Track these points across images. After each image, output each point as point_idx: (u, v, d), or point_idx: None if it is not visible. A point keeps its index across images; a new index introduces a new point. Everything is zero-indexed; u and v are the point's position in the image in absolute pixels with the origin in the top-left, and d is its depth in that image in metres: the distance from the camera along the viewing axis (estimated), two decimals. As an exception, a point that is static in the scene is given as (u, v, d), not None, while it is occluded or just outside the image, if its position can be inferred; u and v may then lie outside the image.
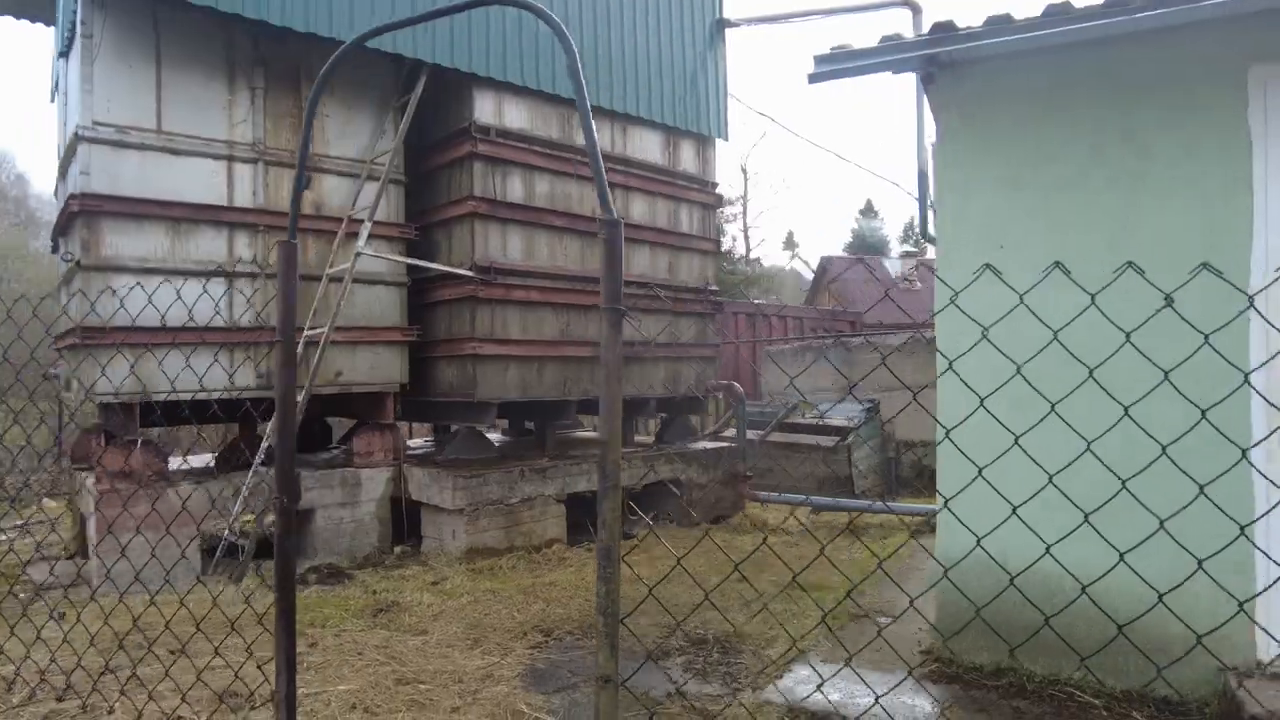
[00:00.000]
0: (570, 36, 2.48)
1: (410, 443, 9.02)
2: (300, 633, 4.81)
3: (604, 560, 2.60)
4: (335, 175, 6.70)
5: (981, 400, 2.26)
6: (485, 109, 6.92)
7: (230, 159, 6.19)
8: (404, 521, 6.92)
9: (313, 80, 6.52)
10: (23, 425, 5.82)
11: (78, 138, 5.63)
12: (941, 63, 3.84)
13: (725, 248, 31.47)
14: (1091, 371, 2.34)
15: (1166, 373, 2.23)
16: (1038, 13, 3.60)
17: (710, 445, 8.52)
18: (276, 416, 3.14)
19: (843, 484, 8.91)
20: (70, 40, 6.02)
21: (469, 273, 6.74)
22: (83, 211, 5.60)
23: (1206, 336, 2.31)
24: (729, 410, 11.02)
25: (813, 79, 3.90)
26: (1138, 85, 3.73)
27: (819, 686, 3.57)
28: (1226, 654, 3.52)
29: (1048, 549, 2.35)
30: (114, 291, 5.43)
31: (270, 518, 6.06)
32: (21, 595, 5.79)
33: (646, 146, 8.11)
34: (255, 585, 5.75)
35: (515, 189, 7.06)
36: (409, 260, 6.92)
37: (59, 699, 3.80)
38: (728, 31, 8.74)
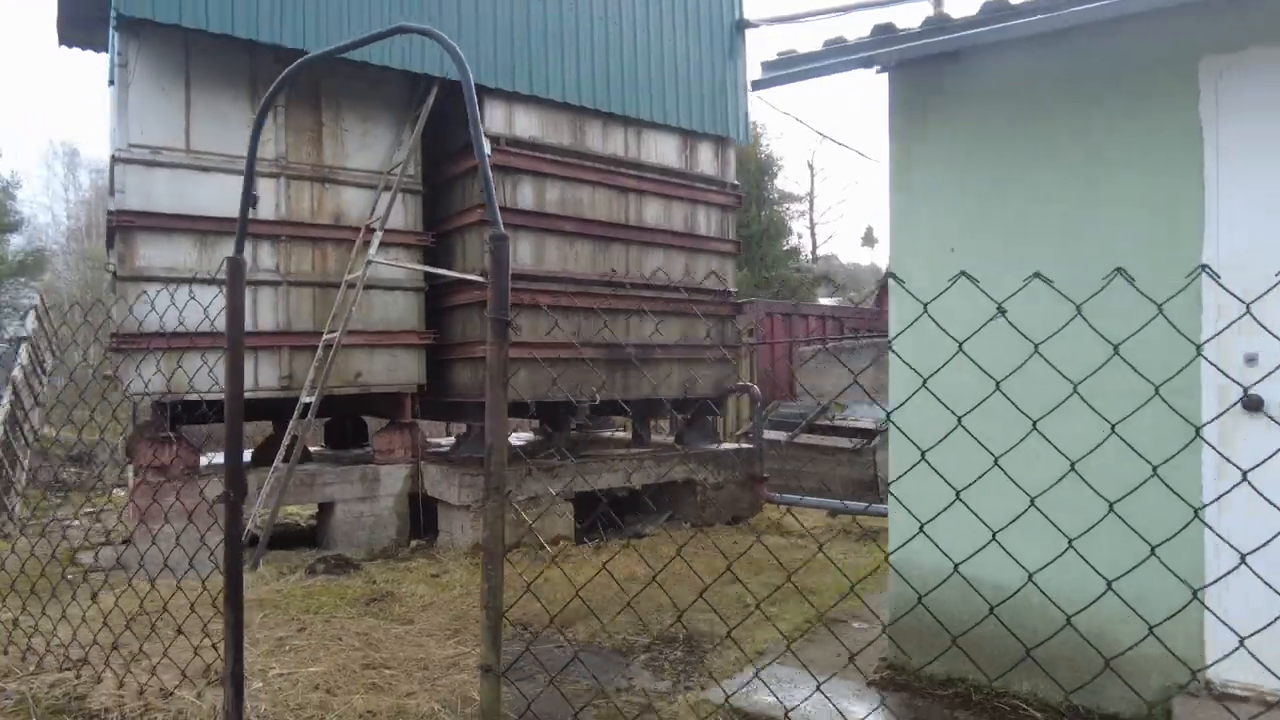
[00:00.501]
0: (467, 63, 2.63)
1: (440, 441, 9.37)
2: (294, 618, 5.13)
3: (487, 560, 2.75)
4: (354, 187, 7.06)
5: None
6: (495, 119, 7.15)
7: (254, 174, 6.60)
8: (420, 517, 7.22)
9: (331, 96, 6.91)
10: (98, 422, 6.40)
11: (114, 159, 6.13)
12: (887, 64, 3.81)
13: (791, 245, 31.08)
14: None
15: (1075, 385, 2.21)
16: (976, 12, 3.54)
17: (729, 447, 8.54)
18: (226, 418, 3.40)
19: (868, 487, 8.78)
20: (113, 69, 6.56)
21: (478, 278, 6.98)
22: (119, 227, 6.10)
23: (1116, 347, 2.28)
24: (761, 411, 10.98)
25: (756, 85, 3.94)
26: (1088, 81, 3.62)
27: (753, 678, 3.62)
28: (1173, 671, 3.39)
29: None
30: (148, 297, 5.90)
31: (270, 511, 6.46)
32: (70, 577, 6.35)
33: (661, 150, 8.19)
34: (273, 574, 6.14)
35: (525, 196, 7.27)
36: (420, 267, 7.22)
37: (63, 669, 4.19)
38: (748, 32, 8.73)
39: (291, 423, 6.52)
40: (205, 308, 4.21)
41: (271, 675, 4.17)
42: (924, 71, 3.97)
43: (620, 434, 9.70)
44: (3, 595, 4.69)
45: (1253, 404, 3.25)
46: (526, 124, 7.34)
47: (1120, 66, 3.55)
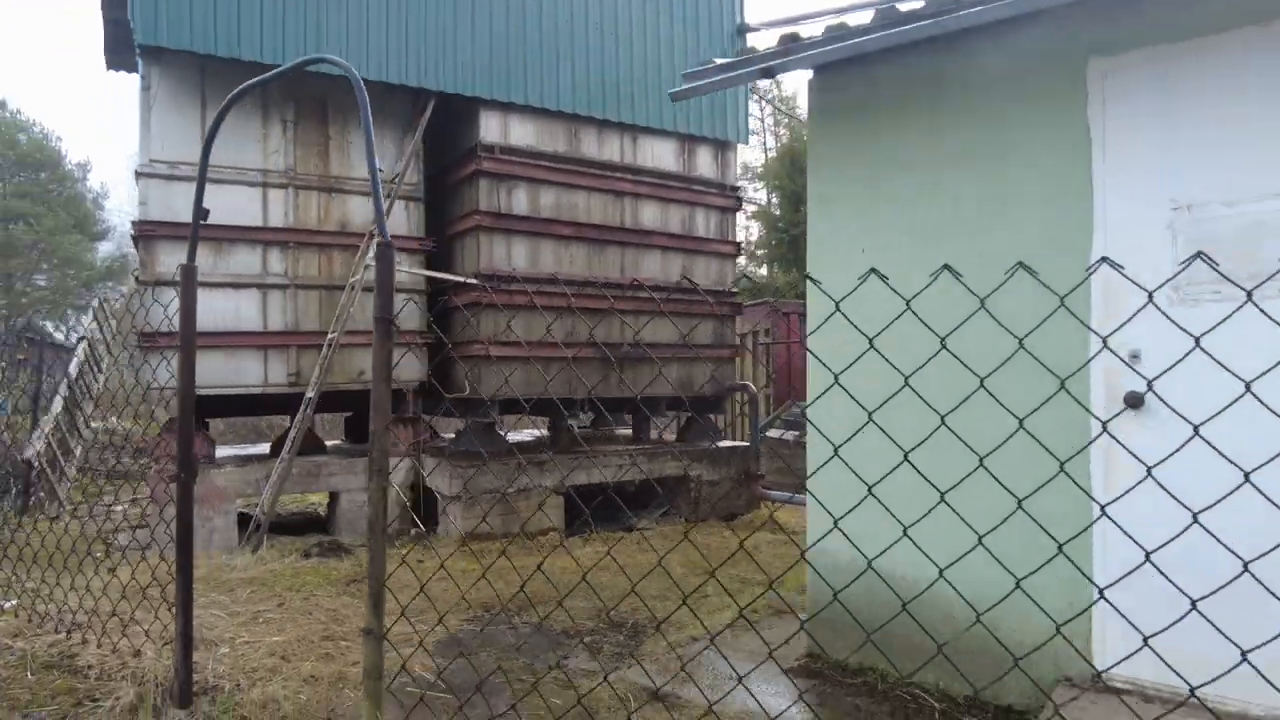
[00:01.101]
0: (364, 89, 2.94)
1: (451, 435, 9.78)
2: (276, 595, 5.55)
3: (370, 534, 3.07)
4: (359, 195, 7.50)
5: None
6: (491, 128, 7.49)
7: (264, 185, 7.12)
8: (421, 507, 7.62)
9: (338, 111, 7.37)
10: (152, 415, 7.02)
11: (138, 174, 6.71)
12: (782, 72, 3.95)
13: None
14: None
15: (982, 380, 2.28)
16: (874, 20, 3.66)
17: (727, 444, 8.68)
18: (179, 411, 3.81)
19: (868, 486, 8.79)
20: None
21: (473, 280, 7.33)
22: (141, 236, 6.67)
23: (1021, 340, 2.35)
24: (778, 409, 11.05)
25: (675, 96, 4.14)
26: (985, 85, 3.70)
27: (678, 661, 3.82)
28: (1062, 663, 3.45)
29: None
30: (162, 304, 6.45)
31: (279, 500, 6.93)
32: (97, 555, 6.98)
33: (659, 154, 8.40)
34: (273, 556, 6.62)
35: (520, 202, 7.59)
36: (415, 271, 7.61)
37: (67, 633, 4.68)
38: (749, 36, 8.86)
39: (297, 417, 6.99)
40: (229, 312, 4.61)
41: (238, 642, 4.58)
42: (836, 79, 4.10)
43: (625, 431, 9.94)
44: (38, 567, 5.22)
45: (1134, 401, 3.29)
46: (522, 132, 7.66)
47: (1017, 69, 3.62)
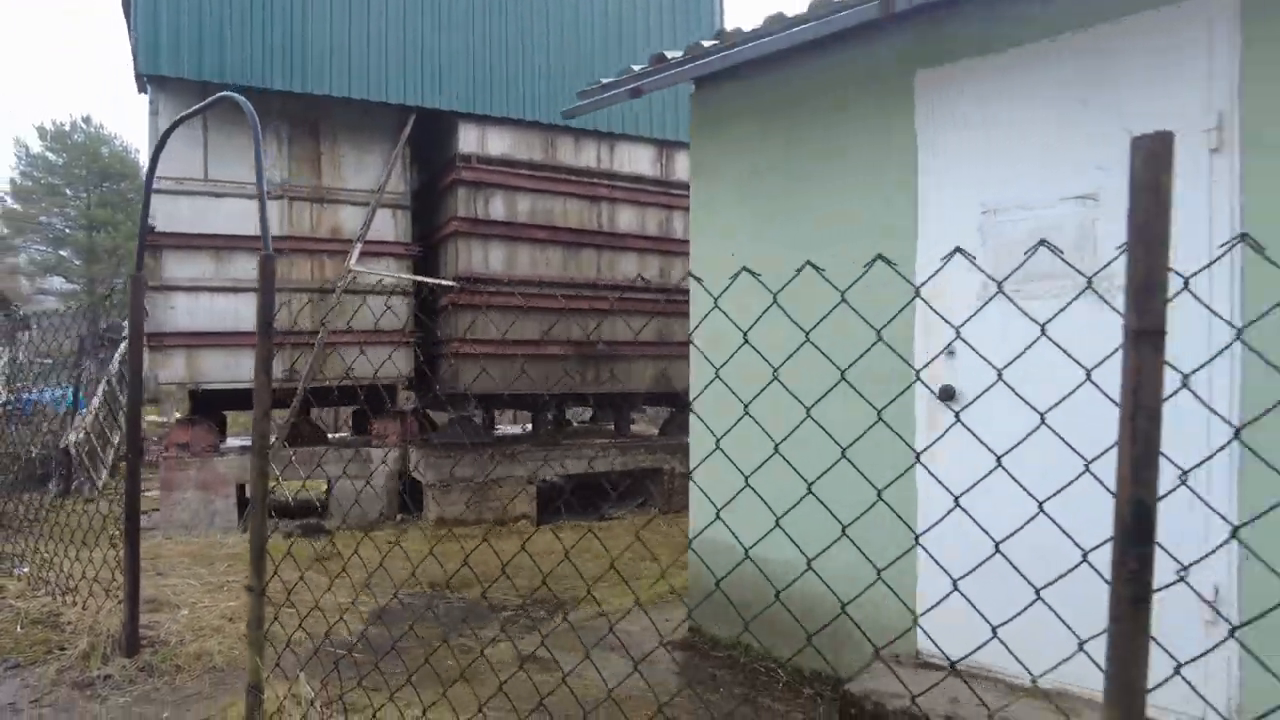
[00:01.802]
0: (259, 123, 3.44)
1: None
2: (249, 568, 6.14)
3: (252, 506, 3.56)
4: (350, 205, 8.09)
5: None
6: (469, 140, 7.98)
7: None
8: (407, 494, 8.17)
9: (329, 127, 7.98)
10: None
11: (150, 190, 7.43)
12: (648, 90, 4.28)
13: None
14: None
15: (843, 372, 2.52)
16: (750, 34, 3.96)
17: (705, 438, 8.98)
18: (128, 403, 4.39)
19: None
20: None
21: (451, 283, 7.84)
22: (150, 245, 7.39)
23: (879, 331, 2.53)
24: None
25: (565, 114, 4.51)
26: (828, 97, 3.96)
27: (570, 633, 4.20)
28: (899, 646, 3.70)
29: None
30: (171, 306, 7.16)
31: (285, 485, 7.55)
32: (114, 533, 7.76)
33: (635, 160, 8.76)
34: (271, 536, 7.24)
35: (497, 208, 8.06)
36: (396, 275, 8.16)
37: (60, 596, 5.34)
38: (729, 43, 9.11)
39: (293, 407, 7.62)
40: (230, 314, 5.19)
41: (199, 607, 5.17)
42: (712, 93, 4.41)
43: (610, 426, 10.31)
44: (58, 542, 5.91)
45: (946, 394, 3.52)
46: (498, 143, 8.13)
47: (858, 80, 3.87)
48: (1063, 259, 1.95)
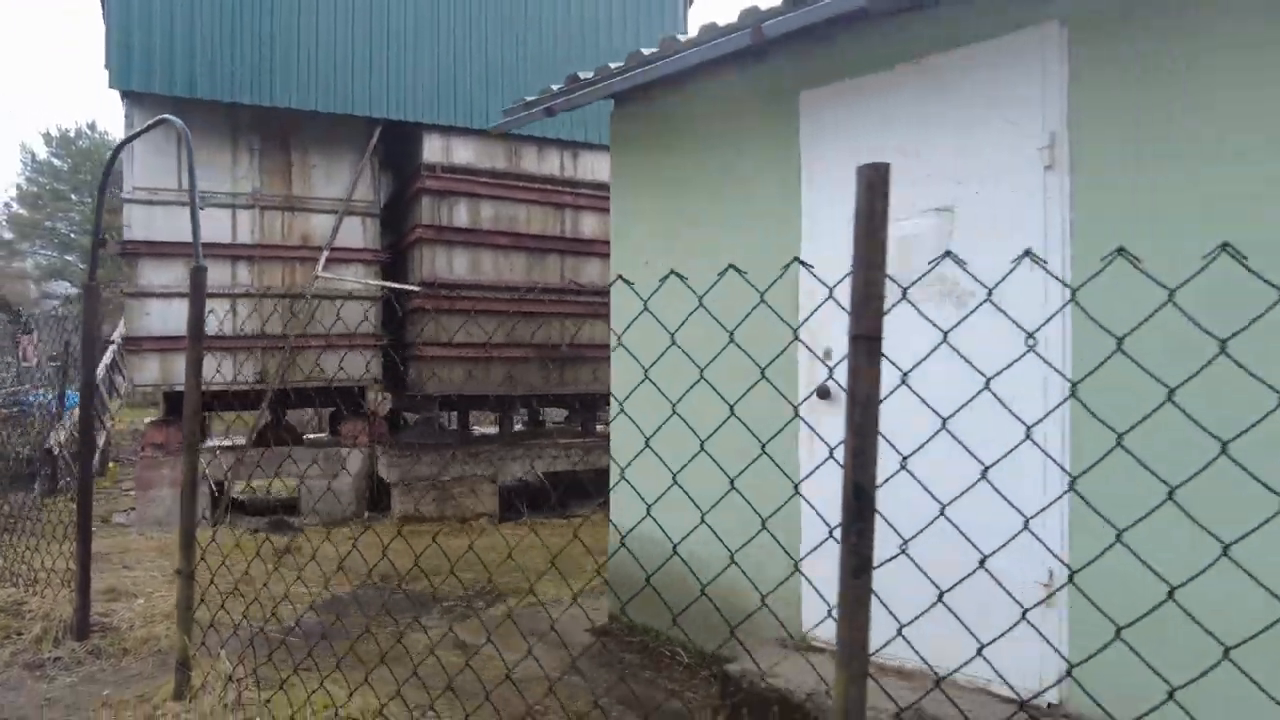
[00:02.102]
0: (191, 142, 3.72)
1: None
2: (206, 561, 6.44)
3: (183, 495, 3.84)
4: (320, 213, 8.39)
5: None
6: (434, 150, 8.27)
7: (233, 206, 8.08)
8: (374, 492, 8.46)
9: (299, 139, 8.28)
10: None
11: (124, 200, 7.75)
12: (558, 110, 4.54)
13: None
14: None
15: (763, 370, 2.73)
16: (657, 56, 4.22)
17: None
18: (80, 404, 4.68)
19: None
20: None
21: (415, 288, 8.12)
22: (125, 253, 7.71)
23: (795, 331, 2.75)
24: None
25: (497, 129, 4.78)
26: (727, 116, 4.22)
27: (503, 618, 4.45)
28: (792, 630, 3.94)
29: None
30: (146, 313, 7.46)
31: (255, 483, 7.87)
32: (96, 531, 8.08)
33: (599, 168, 9.02)
34: (227, 531, 7.55)
35: (461, 215, 8.34)
36: (361, 281, 8.45)
37: (24, 587, 5.64)
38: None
39: (261, 408, 7.92)
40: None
41: (155, 596, 5.46)
42: (628, 109, 4.67)
43: (577, 427, 10.57)
44: (34, 537, 6.20)
45: (823, 393, 3.76)
46: (463, 152, 8.41)
47: (752, 99, 4.12)
48: (967, 270, 2.17)
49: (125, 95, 7.56)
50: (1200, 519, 1.75)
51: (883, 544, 1.83)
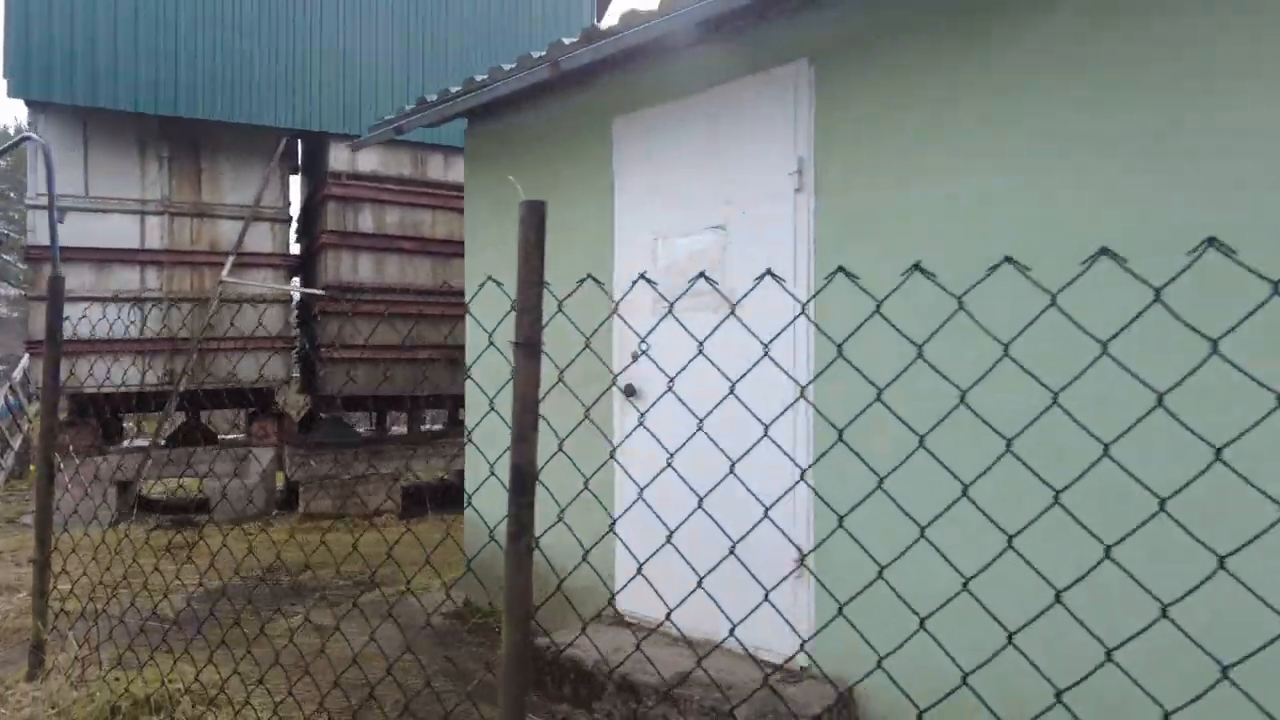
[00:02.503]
0: (55, 165, 3.98)
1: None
2: (97, 558, 6.69)
3: (42, 486, 4.09)
4: (230, 219, 8.61)
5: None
6: (340, 158, 8.53)
7: (143, 213, 8.27)
8: (286, 491, 8.70)
9: (209, 147, 8.50)
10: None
11: (28, 205, 7.92)
12: (405, 130, 4.87)
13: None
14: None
15: (615, 377, 3.13)
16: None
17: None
18: (43, 399, 4.90)
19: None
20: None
21: (320, 291, 8.38)
22: (29, 259, 7.88)
23: (643, 341, 3.16)
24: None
25: (354, 147, 5.08)
26: (555, 137, 4.56)
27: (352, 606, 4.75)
28: (599, 601, 4.29)
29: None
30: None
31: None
32: (1, 530, 8.24)
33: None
34: (135, 528, 7.76)
35: (366, 221, 8.61)
36: (266, 285, 8.68)
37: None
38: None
39: (166, 409, 8.13)
40: (112, 322, 5.71)
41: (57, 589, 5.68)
42: (477, 128, 5.00)
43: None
44: None
45: (629, 391, 4.12)
46: (369, 160, 8.68)
47: (576, 123, 4.47)
48: (716, 288, 2.49)
49: (27, 102, 7.73)
50: (915, 505, 2.01)
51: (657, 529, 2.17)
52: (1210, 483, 1.55)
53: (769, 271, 2.24)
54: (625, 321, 3.17)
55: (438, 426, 11.08)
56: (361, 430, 11.06)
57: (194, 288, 8.46)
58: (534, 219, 2.21)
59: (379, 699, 3.75)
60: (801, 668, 3.51)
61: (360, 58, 8.69)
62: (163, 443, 8.25)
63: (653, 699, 3.44)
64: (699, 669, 3.32)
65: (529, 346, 2.27)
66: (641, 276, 2.30)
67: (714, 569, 2.13)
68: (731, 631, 2.01)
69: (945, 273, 2.12)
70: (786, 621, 2.14)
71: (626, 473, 2.45)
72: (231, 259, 8.22)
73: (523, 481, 2.26)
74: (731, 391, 2.12)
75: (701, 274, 2.23)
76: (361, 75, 8.68)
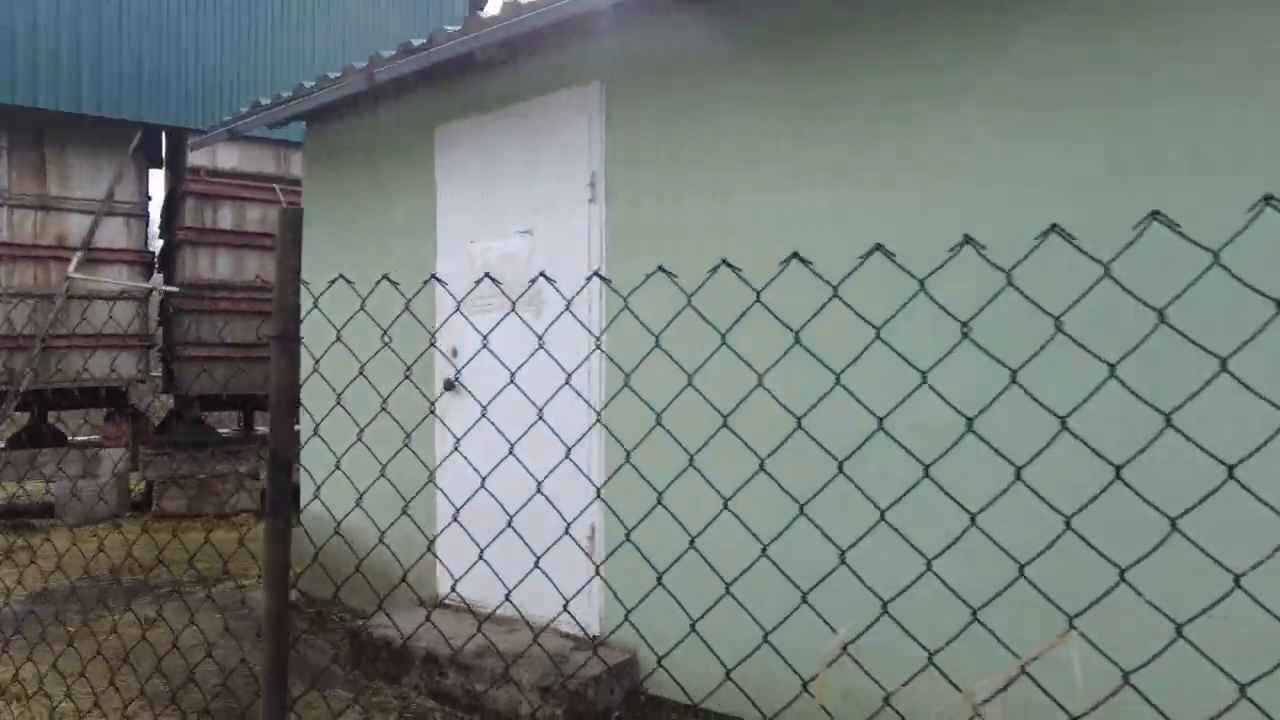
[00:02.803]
0: None
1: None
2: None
3: None
4: (80, 214, 8.36)
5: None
6: (199, 154, 8.41)
7: (-20, 204, 7.95)
8: (140, 491, 8.50)
9: (55, 138, 8.24)
10: None
11: None
12: (236, 134, 4.98)
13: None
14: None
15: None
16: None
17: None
18: None
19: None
20: None
21: (173, 289, 8.25)
22: None
23: (488, 342, 3.25)
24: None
25: (193, 145, 5.13)
26: (386, 143, 4.77)
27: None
28: (427, 587, 4.52)
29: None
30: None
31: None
32: None
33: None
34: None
35: (225, 218, 8.53)
36: (117, 282, 8.49)
37: None
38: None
39: (3, 409, 7.83)
40: None
41: None
42: (315, 129, 5.14)
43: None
44: None
45: (449, 385, 4.38)
46: (229, 157, 8.59)
47: (405, 130, 4.69)
48: (503, 291, 2.66)
49: None
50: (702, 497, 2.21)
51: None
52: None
53: (543, 273, 2.52)
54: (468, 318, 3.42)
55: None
56: (227, 430, 10.86)
57: (39, 282, 8.19)
58: (293, 223, 2.43)
59: (199, 682, 3.89)
60: (593, 636, 3.85)
61: (221, 53, 8.60)
62: (1, 445, 7.95)
63: (453, 670, 3.71)
64: (507, 641, 3.61)
65: (284, 340, 2.50)
66: (479, 282, 2.55)
67: (490, 543, 2.40)
68: (525, 618, 2.28)
69: (713, 280, 2.24)
70: (553, 586, 2.43)
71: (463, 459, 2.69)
72: (80, 254, 8.01)
73: (279, 464, 2.49)
74: (512, 381, 2.40)
75: (486, 275, 2.54)
76: (222, 70, 8.59)
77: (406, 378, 2.69)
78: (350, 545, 2.46)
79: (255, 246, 8.68)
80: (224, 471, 8.18)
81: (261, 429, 10.87)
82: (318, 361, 2.60)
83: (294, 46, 9.01)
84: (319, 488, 2.35)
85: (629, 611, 3.11)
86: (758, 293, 1.76)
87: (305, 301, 3.24)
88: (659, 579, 1.87)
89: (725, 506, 1.79)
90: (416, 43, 3.99)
